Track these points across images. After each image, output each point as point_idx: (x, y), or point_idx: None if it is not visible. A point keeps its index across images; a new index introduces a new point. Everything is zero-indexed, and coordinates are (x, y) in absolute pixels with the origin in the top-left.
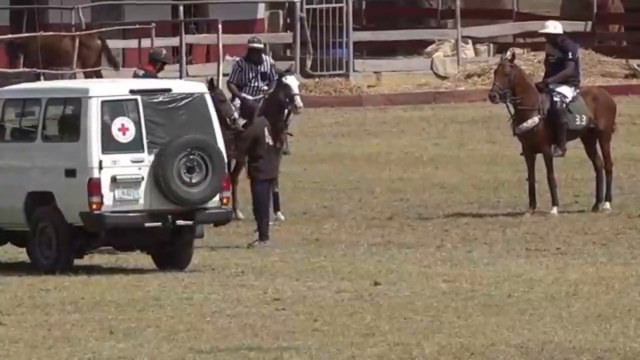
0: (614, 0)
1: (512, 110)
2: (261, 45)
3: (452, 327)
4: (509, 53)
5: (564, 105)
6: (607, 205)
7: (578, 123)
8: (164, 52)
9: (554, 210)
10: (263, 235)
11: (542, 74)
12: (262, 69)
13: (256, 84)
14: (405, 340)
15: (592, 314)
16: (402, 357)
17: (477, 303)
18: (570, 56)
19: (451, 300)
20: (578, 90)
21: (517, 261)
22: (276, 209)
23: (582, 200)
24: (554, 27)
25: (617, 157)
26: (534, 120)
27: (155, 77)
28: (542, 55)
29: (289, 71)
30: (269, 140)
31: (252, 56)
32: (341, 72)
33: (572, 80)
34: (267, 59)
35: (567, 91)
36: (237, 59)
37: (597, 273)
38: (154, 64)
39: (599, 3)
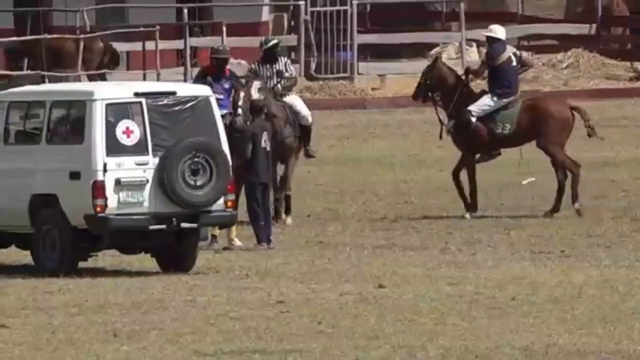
0: (619, 2)
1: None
2: (274, 42)
3: (456, 329)
4: (433, 51)
5: (471, 115)
6: (577, 205)
7: (500, 131)
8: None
9: (467, 215)
10: (258, 238)
11: (547, 77)
12: (278, 67)
13: (273, 82)
14: (409, 343)
15: (596, 316)
16: (406, 359)
17: (482, 306)
18: (490, 62)
19: (455, 303)
20: (509, 99)
21: (521, 264)
22: (287, 212)
23: (586, 202)
24: (495, 31)
25: (622, 159)
26: (449, 123)
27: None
28: (547, 58)
29: (255, 77)
30: (266, 145)
31: (267, 56)
32: (345, 74)
33: (495, 89)
34: (282, 58)
35: (484, 101)
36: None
37: (602, 276)
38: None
39: (604, 6)
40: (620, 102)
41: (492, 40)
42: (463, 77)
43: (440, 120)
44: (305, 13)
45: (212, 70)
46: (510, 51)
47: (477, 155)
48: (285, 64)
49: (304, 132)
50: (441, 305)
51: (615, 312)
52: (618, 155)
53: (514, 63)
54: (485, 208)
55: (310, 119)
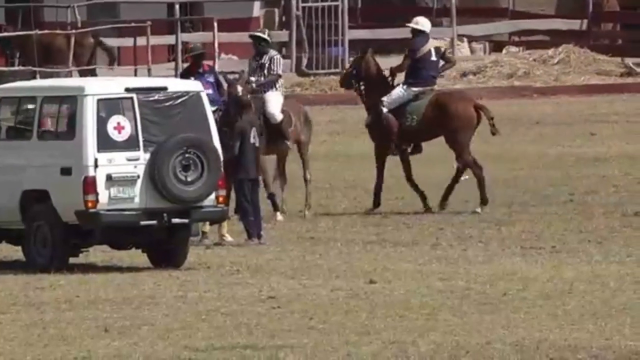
0: None
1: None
2: (257, 34)
3: (447, 325)
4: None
5: (382, 105)
6: (478, 209)
7: (408, 123)
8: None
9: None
10: (249, 234)
11: (537, 72)
12: (262, 61)
13: (256, 77)
14: (400, 339)
15: (587, 312)
16: (397, 355)
17: (473, 301)
18: (411, 55)
19: (446, 299)
20: (419, 89)
21: (512, 259)
22: (275, 209)
23: (577, 198)
24: (420, 24)
25: (612, 155)
26: (367, 118)
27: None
28: (537, 54)
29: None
30: (255, 140)
31: (256, 51)
32: (337, 70)
33: (409, 80)
34: (269, 53)
35: (396, 91)
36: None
37: (593, 271)
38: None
39: (595, 1)
40: (611, 98)
41: (416, 32)
42: (388, 77)
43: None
44: (297, 8)
45: (193, 69)
46: (431, 45)
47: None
48: (271, 59)
49: (272, 129)
50: (432, 301)
51: (606, 308)
52: (609, 151)
53: (434, 57)
54: (476, 204)
55: (277, 118)
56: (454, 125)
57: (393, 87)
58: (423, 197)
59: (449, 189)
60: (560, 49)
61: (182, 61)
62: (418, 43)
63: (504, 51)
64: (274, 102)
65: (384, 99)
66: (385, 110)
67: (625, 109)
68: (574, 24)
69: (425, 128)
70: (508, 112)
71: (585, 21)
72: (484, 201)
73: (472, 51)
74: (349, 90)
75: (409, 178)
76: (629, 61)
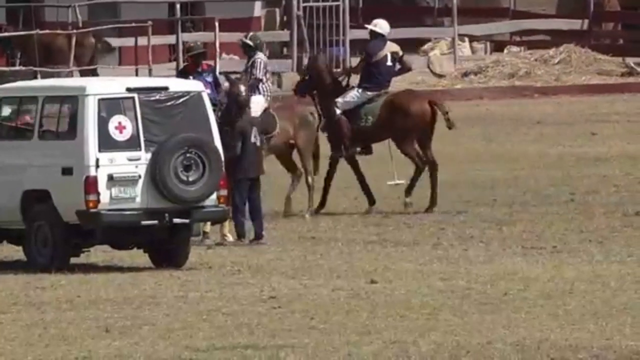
0: None
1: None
2: (245, 41)
3: (448, 325)
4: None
5: (336, 107)
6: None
7: (363, 124)
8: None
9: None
10: (238, 234)
11: (538, 72)
12: (248, 65)
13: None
14: (401, 338)
15: (588, 312)
16: (398, 355)
17: (473, 301)
18: (368, 59)
19: (447, 299)
20: (374, 93)
21: (513, 259)
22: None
23: (578, 198)
24: (375, 25)
25: (613, 155)
26: (323, 121)
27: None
28: (538, 54)
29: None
30: (256, 140)
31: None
32: (338, 70)
33: (364, 84)
34: (255, 55)
35: (350, 93)
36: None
37: (593, 271)
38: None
39: (596, 1)
40: (612, 98)
41: (374, 35)
42: (341, 77)
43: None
44: (298, 8)
45: (191, 69)
46: (388, 49)
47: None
48: (252, 63)
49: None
50: (433, 301)
51: (607, 308)
52: (610, 151)
53: (389, 62)
54: (477, 204)
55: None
56: (410, 122)
57: (346, 88)
58: (322, 202)
59: (409, 189)
60: (562, 49)
61: (184, 61)
62: (375, 47)
63: (505, 51)
64: (253, 105)
65: (339, 100)
66: (338, 111)
67: (626, 108)
68: (575, 24)
69: (380, 128)
70: (509, 112)
71: (586, 21)
72: (433, 203)
73: (473, 51)
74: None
75: (334, 178)
76: (630, 61)
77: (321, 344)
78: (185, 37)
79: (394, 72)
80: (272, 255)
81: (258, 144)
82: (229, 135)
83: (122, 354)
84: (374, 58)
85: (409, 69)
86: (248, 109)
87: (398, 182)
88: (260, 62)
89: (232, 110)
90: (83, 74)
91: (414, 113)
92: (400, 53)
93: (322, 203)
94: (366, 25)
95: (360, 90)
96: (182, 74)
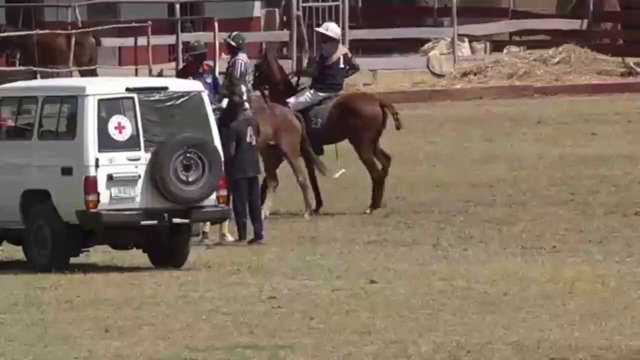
0: None
1: None
2: (228, 41)
3: (447, 325)
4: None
5: (288, 107)
6: (368, 210)
7: (313, 126)
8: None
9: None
10: (239, 234)
11: (538, 72)
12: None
13: None
14: (401, 338)
15: (587, 312)
16: (398, 355)
17: (473, 301)
18: (322, 61)
19: (447, 299)
20: (326, 94)
21: (512, 259)
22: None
23: (578, 198)
24: (326, 28)
25: (613, 155)
26: None
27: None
28: (538, 53)
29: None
30: (251, 139)
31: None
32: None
33: (317, 85)
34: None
35: (303, 94)
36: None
37: (593, 271)
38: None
39: (595, 1)
40: (612, 98)
41: (326, 38)
42: (291, 76)
43: None
44: (297, 8)
45: (191, 69)
46: (341, 52)
47: None
48: (234, 62)
49: None
50: (433, 301)
51: (607, 308)
52: (610, 151)
53: (342, 64)
54: (477, 204)
55: None
56: (361, 124)
57: (297, 88)
58: (318, 201)
59: (376, 190)
60: (561, 49)
61: (183, 61)
62: (329, 50)
63: (504, 51)
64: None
65: (290, 100)
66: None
67: (626, 108)
68: (575, 24)
69: (331, 130)
70: (509, 112)
71: (586, 21)
72: (376, 204)
73: (472, 51)
74: (348, 91)
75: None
76: (630, 61)
77: (321, 344)
78: (184, 37)
79: (346, 74)
80: (271, 255)
81: (254, 143)
82: (224, 135)
83: (122, 354)
84: (328, 61)
85: (357, 69)
86: (245, 109)
87: (342, 171)
88: (241, 63)
89: (231, 110)
90: (83, 74)
91: (366, 115)
92: (350, 55)
93: (319, 202)
94: (318, 29)
95: (312, 91)
96: (182, 74)
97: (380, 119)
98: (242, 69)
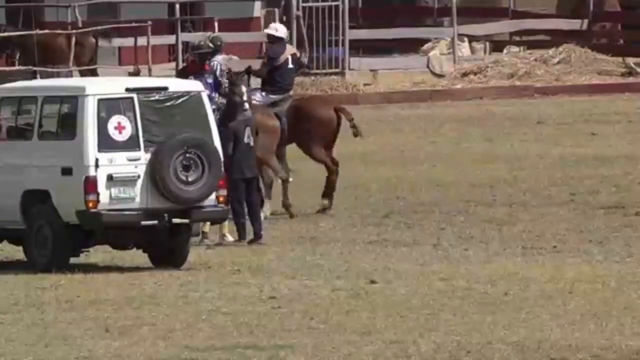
0: None
1: None
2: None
3: (448, 325)
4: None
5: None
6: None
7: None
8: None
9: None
10: (239, 235)
11: (538, 72)
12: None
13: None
14: (401, 338)
15: (588, 312)
16: (398, 355)
17: (473, 301)
18: (271, 62)
19: (447, 299)
20: (278, 96)
21: (513, 259)
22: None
23: (578, 198)
24: (275, 29)
25: (613, 155)
26: None
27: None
28: (538, 53)
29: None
30: (249, 140)
31: None
32: (337, 70)
33: (267, 87)
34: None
35: (254, 96)
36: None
37: (593, 271)
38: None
39: (595, 1)
40: (612, 98)
41: (273, 39)
42: (241, 76)
43: None
44: (297, 8)
45: (193, 68)
46: (289, 52)
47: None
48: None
49: None
50: (433, 301)
51: (607, 308)
52: (610, 151)
53: (291, 65)
54: (477, 204)
55: None
56: (315, 128)
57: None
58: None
59: (327, 189)
60: (561, 49)
61: (183, 61)
62: (277, 51)
63: (504, 51)
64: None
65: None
66: None
67: (626, 108)
68: (575, 24)
69: (285, 133)
70: (509, 112)
71: (586, 21)
72: (326, 196)
73: (472, 51)
74: (349, 91)
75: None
76: (630, 61)
77: (321, 344)
78: (184, 37)
79: (295, 74)
80: (272, 255)
81: (251, 144)
82: (222, 135)
83: (122, 354)
84: (276, 62)
85: (304, 66)
86: (245, 109)
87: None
88: (217, 65)
89: (231, 110)
90: (83, 74)
91: (321, 119)
92: (298, 54)
93: (261, 201)
94: (265, 31)
95: (264, 94)
96: (183, 73)
97: (334, 123)
98: (219, 71)
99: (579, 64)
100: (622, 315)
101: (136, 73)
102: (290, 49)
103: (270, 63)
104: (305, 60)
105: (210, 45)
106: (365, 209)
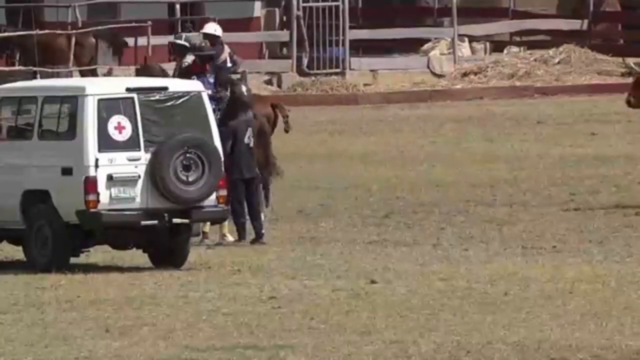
0: None
1: None
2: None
3: (448, 325)
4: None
5: None
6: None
7: None
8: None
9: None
10: (239, 235)
11: (538, 72)
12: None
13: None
14: (401, 338)
15: (588, 312)
16: (398, 355)
17: (473, 301)
18: (215, 62)
19: (447, 299)
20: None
21: (513, 259)
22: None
23: (578, 198)
24: (214, 29)
25: (614, 155)
26: None
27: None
28: (538, 54)
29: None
30: (249, 141)
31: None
32: (337, 70)
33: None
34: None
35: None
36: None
37: (593, 271)
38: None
39: (595, 1)
40: (612, 98)
41: (213, 39)
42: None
43: None
44: (297, 8)
45: (195, 69)
46: (227, 51)
47: None
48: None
49: None
50: (433, 301)
51: (607, 308)
52: (610, 151)
53: (229, 64)
54: (477, 204)
55: None
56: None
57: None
58: None
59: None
60: (561, 49)
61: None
62: (219, 51)
63: (505, 51)
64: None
65: None
66: None
67: (626, 109)
68: (575, 24)
69: None
70: (509, 112)
71: (586, 21)
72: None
73: (473, 51)
74: (349, 91)
75: None
76: (630, 61)
77: (321, 344)
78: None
79: (233, 72)
80: (272, 255)
81: (252, 145)
82: (222, 134)
83: (122, 354)
84: (218, 61)
85: (238, 65)
86: (245, 110)
87: None
88: (185, 64)
89: (232, 109)
90: (83, 74)
91: (257, 115)
92: (233, 52)
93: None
94: (206, 31)
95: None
96: (185, 73)
97: (270, 119)
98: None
99: (579, 64)
100: (622, 315)
101: (108, 73)
102: (227, 48)
103: (215, 62)
104: (305, 60)
105: (186, 44)
106: (366, 209)
